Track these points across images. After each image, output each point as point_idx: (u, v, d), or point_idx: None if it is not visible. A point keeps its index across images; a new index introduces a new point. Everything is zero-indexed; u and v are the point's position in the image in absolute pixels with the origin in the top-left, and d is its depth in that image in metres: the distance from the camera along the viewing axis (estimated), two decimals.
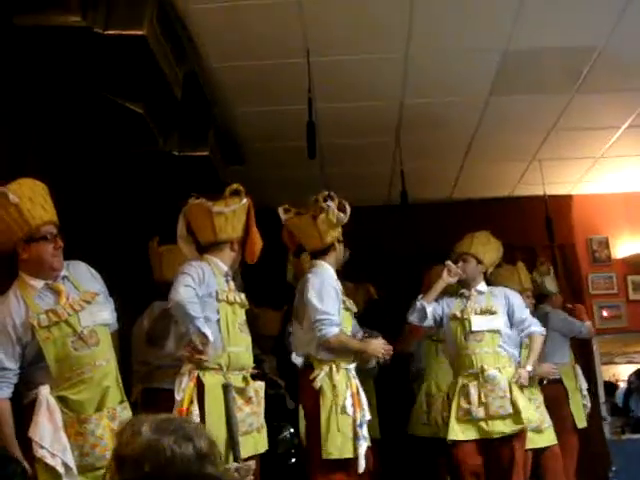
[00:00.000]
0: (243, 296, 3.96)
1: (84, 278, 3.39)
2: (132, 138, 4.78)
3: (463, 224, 6.22)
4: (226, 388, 3.62)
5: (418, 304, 4.85)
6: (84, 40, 3.72)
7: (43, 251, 3.17)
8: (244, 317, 3.93)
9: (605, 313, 7.37)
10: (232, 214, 3.96)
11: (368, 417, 4.10)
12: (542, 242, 7.14)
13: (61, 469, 3.02)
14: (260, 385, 3.87)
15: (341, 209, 4.26)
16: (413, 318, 4.88)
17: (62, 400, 3.13)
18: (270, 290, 6.65)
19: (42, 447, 3.03)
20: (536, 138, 6.21)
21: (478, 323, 4.78)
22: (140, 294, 4.91)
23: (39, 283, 3.21)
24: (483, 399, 4.57)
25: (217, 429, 3.42)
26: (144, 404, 4.70)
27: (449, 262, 4.92)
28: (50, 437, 3.05)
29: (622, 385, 8.31)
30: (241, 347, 3.81)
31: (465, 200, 7.49)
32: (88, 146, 4.73)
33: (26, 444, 3.05)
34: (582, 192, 7.61)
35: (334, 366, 4.11)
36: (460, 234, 5.28)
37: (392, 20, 4.31)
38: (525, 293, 5.69)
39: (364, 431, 4.01)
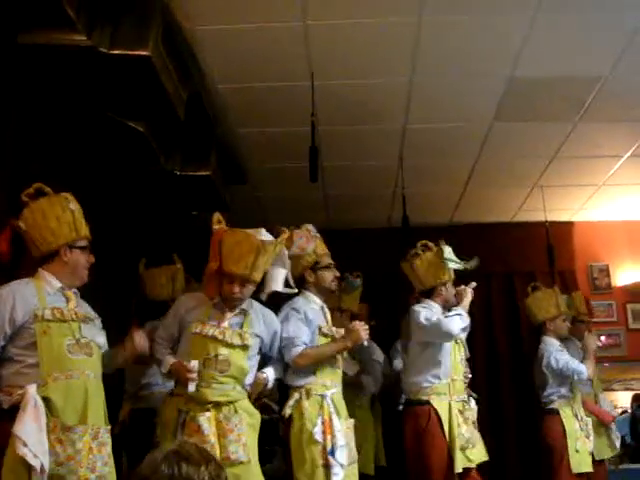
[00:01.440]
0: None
1: (87, 305, 3.50)
2: (134, 157, 4.76)
3: (464, 248, 6.21)
4: (178, 414, 3.65)
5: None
6: (88, 59, 3.70)
7: (81, 260, 3.38)
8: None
9: (603, 339, 7.34)
10: None
11: (341, 443, 3.93)
12: (542, 268, 7.13)
13: (37, 470, 2.98)
14: (225, 415, 3.70)
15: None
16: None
17: (45, 401, 3.10)
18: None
19: (25, 445, 2.99)
20: (539, 165, 6.22)
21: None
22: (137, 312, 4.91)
23: (57, 284, 3.32)
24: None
25: None
26: (131, 424, 4.70)
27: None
28: (34, 437, 3.02)
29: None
30: (211, 382, 3.74)
31: (466, 224, 7.48)
32: (90, 164, 4.73)
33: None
34: (583, 219, 7.61)
35: (304, 392, 4.02)
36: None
37: (397, 45, 4.32)
38: (561, 317, 5.66)
39: (338, 457, 3.88)
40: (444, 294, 4.77)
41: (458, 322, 4.56)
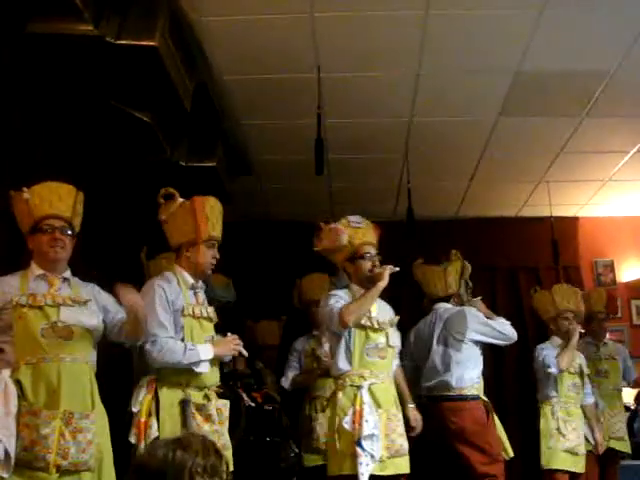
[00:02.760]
0: (211, 310, 3.88)
1: (87, 292, 3.46)
2: (140, 147, 4.78)
3: (468, 242, 6.22)
4: (184, 403, 3.59)
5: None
6: (96, 49, 3.73)
7: (40, 242, 3.32)
8: (213, 333, 3.85)
9: (608, 337, 7.32)
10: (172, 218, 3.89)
11: (369, 432, 3.83)
12: (547, 264, 7.13)
13: (1, 455, 2.97)
14: (224, 403, 3.78)
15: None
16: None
17: (17, 385, 3.11)
18: (265, 301, 6.70)
19: None
20: (544, 160, 6.21)
21: None
22: None
23: (38, 271, 3.33)
24: None
25: None
26: None
27: None
28: (0, 421, 3.01)
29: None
30: None
31: (471, 219, 7.48)
32: (96, 154, 4.73)
33: None
34: (589, 215, 7.59)
35: (339, 383, 4.05)
36: (465, 252, 5.28)
37: (404, 39, 4.32)
38: (562, 315, 5.62)
39: (367, 447, 3.80)
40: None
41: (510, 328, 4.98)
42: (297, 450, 5.20)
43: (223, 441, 3.68)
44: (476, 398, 4.76)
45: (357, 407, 3.91)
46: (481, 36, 4.31)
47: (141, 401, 3.56)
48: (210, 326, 3.84)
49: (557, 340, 5.53)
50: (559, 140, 5.79)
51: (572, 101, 5.12)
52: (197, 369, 3.60)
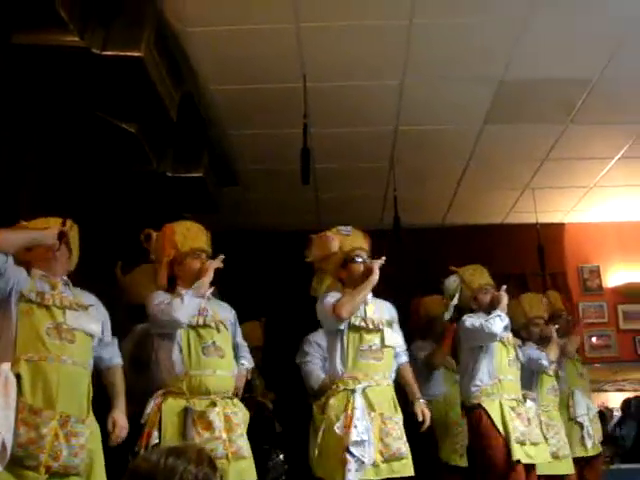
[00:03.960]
0: (214, 318, 3.89)
1: (87, 299, 3.52)
2: (126, 158, 4.78)
3: (455, 250, 6.25)
4: (185, 412, 3.60)
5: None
6: (81, 60, 3.73)
7: (40, 254, 3.40)
8: (213, 340, 3.85)
9: (595, 342, 7.37)
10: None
11: (359, 438, 3.75)
12: (533, 270, 7.14)
13: None
14: (235, 412, 3.76)
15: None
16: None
17: (17, 379, 3.11)
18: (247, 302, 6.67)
19: None
20: (529, 167, 6.24)
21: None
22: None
23: (39, 272, 3.39)
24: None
25: None
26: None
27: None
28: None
29: (616, 414, 8.24)
30: (206, 370, 3.75)
31: (457, 226, 7.50)
32: (82, 165, 4.72)
33: None
34: (574, 221, 7.63)
35: (333, 388, 3.98)
36: (452, 260, 5.28)
37: (389, 48, 4.34)
38: (532, 322, 5.67)
39: (356, 453, 3.72)
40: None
41: (499, 322, 4.70)
42: (282, 455, 5.19)
43: (234, 448, 3.64)
44: (474, 408, 4.75)
45: (349, 412, 3.84)
46: (465, 45, 4.34)
47: (148, 413, 3.61)
48: (211, 333, 3.85)
49: (532, 346, 5.56)
50: (544, 147, 5.83)
51: (556, 108, 5.16)
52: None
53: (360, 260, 4.16)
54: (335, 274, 4.22)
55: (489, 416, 4.59)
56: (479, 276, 5.04)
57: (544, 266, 6.77)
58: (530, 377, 5.39)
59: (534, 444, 4.62)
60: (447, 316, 5.07)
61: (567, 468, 5.29)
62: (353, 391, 3.90)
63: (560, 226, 7.66)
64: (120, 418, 3.51)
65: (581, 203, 7.17)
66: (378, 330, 4.08)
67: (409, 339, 5.72)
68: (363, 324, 4.03)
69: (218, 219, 6.04)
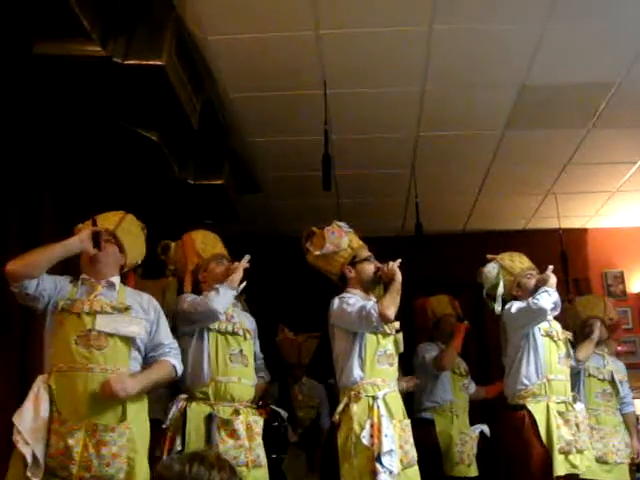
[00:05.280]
0: (238, 325, 3.92)
1: (134, 299, 3.48)
2: (148, 166, 4.79)
3: (477, 256, 6.20)
4: (209, 418, 3.61)
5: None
6: (103, 69, 3.74)
7: (84, 259, 3.43)
8: (240, 347, 3.88)
9: (619, 348, 7.28)
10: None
11: (389, 447, 3.68)
12: (556, 275, 7.08)
13: (29, 459, 2.98)
14: (256, 420, 3.79)
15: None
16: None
17: (50, 390, 3.13)
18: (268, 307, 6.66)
19: (19, 432, 3.01)
20: (552, 172, 6.21)
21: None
22: None
23: (83, 275, 3.42)
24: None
25: None
26: None
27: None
28: (29, 424, 3.03)
29: None
30: (232, 377, 3.77)
31: (479, 232, 7.47)
32: (105, 173, 4.76)
33: None
34: (597, 226, 7.59)
35: (352, 395, 3.84)
36: (474, 266, 5.25)
37: (409, 54, 4.33)
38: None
39: (386, 463, 3.64)
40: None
41: (547, 298, 4.46)
42: None
43: (253, 457, 3.67)
44: (516, 409, 4.50)
45: (375, 420, 3.74)
46: (485, 50, 4.33)
47: (171, 418, 3.62)
48: (238, 340, 3.89)
49: None
50: (566, 152, 5.79)
51: (578, 113, 5.13)
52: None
53: (372, 259, 4.15)
54: (339, 271, 4.14)
55: (533, 421, 4.33)
56: (519, 261, 4.83)
57: (567, 272, 6.71)
58: (574, 380, 5.03)
59: (580, 452, 4.34)
60: (497, 308, 4.66)
61: (618, 476, 5.01)
62: (374, 398, 3.83)
63: (583, 231, 7.61)
64: (114, 378, 3.20)
65: (604, 208, 7.11)
66: (390, 335, 4.04)
67: (413, 340, 5.71)
68: (381, 328, 3.98)
69: (239, 226, 6.07)
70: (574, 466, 4.30)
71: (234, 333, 3.88)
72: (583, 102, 4.95)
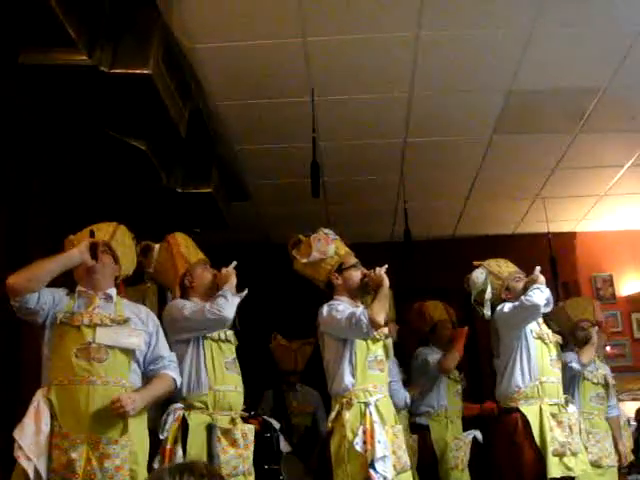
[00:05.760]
0: (231, 333, 3.89)
1: (131, 311, 3.45)
2: (136, 175, 4.78)
3: (466, 261, 6.21)
4: (210, 428, 3.58)
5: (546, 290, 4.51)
6: (89, 78, 3.73)
7: (80, 271, 3.38)
8: (233, 355, 3.87)
9: (608, 349, 7.30)
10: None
11: (382, 454, 3.67)
12: (546, 279, 7.10)
13: (31, 475, 2.95)
14: (249, 428, 3.78)
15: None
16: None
17: (50, 404, 3.10)
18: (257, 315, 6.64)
19: (20, 448, 2.98)
20: (539, 176, 6.23)
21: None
22: None
23: (79, 288, 3.37)
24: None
25: None
26: None
27: None
28: (30, 439, 3.00)
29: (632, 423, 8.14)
30: (229, 386, 3.75)
31: (468, 237, 7.48)
32: (92, 182, 4.74)
33: None
34: (586, 229, 7.62)
35: (345, 402, 3.82)
36: (463, 271, 5.26)
37: (396, 60, 4.34)
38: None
39: (379, 470, 3.62)
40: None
41: (540, 294, 4.44)
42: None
43: (247, 466, 3.67)
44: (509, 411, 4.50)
45: (367, 426, 3.73)
46: (472, 56, 4.34)
47: (168, 428, 3.55)
48: (230, 348, 3.86)
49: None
50: (554, 156, 5.81)
51: (565, 118, 5.15)
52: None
53: (359, 265, 4.12)
54: (325, 278, 4.12)
55: (526, 424, 4.32)
56: (506, 265, 4.85)
57: (556, 275, 6.73)
58: (568, 383, 5.02)
59: (574, 454, 4.32)
60: (487, 312, 4.66)
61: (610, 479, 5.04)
62: (366, 404, 3.82)
63: (572, 235, 7.64)
64: (126, 396, 3.17)
65: (592, 212, 7.14)
66: (380, 340, 4.04)
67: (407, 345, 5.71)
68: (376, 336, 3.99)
69: (228, 233, 6.06)
70: (569, 468, 4.28)
71: (226, 340, 3.85)
72: (570, 107, 4.97)
